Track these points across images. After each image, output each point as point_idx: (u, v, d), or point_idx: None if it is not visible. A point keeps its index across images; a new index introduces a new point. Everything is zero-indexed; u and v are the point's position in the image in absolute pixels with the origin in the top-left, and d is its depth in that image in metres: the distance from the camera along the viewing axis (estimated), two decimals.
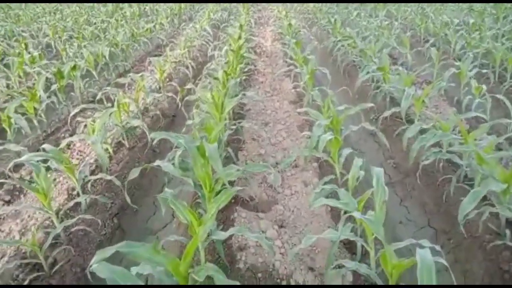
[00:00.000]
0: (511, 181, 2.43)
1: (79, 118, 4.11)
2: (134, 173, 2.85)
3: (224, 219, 2.92)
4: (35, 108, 4.47)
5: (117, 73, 6.85)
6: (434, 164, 3.41)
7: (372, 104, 3.55)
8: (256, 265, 2.41)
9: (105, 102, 5.19)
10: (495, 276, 2.39)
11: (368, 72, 4.90)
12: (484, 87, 4.41)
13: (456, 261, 2.69)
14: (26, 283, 2.30)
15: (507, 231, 2.49)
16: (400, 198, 3.55)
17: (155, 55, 8.27)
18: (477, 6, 10.31)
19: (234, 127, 3.65)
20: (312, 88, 4.98)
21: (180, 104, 4.71)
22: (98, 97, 4.64)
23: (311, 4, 11.66)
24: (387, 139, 4.19)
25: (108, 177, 3.01)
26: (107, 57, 6.32)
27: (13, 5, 14.45)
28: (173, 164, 2.80)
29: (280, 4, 12.61)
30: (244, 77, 5.80)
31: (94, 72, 6.09)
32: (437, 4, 11.46)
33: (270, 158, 3.79)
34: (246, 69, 5.95)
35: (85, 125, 3.80)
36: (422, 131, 3.53)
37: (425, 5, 11.99)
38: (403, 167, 3.85)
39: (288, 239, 2.68)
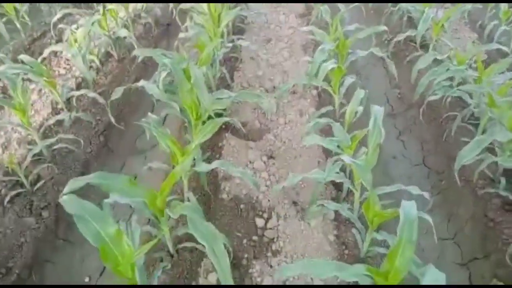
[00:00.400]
0: None
1: (61, 25, 3.76)
2: (117, 93, 2.68)
3: (212, 145, 2.83)
4: (16, 9, 4.08)
5: None
6: (441, 98, 3.17)
7: (385, 28, 3.17)
8: (239, 196, 2.39)
9: (95, 5, 4.76)
10: (479, 223, 2.37)
11: None
12: None
13: (444, 202, 2.66)
14: (7, 199, 2.30)
15: (502, 179, 2.39)
16: (399, 131, 3.40)
17: None
18: None
19: (230, 44, 3.33)
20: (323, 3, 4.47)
21: (174, 12, 4.28)
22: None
23: None
24: (398, 66, 3.88)
25: (92, 94, 2.84)
26: None
27: None
28: (158, 85, 2.60)
29: None
30: None
31: None
32: None
33: (267, 81, 3.55)
34: None
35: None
36: (436, 62, 3.22)
37: None
38: (409, 98, 3.61)
39: (276, 171, 2.61)
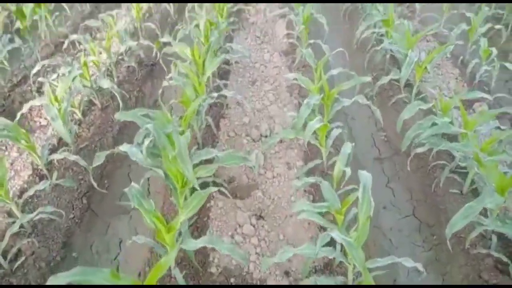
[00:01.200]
0: (507, 189, 2.25)
1: (40, 78, 3.65)
2: (100, 158, 2.60)
3: (200, 207, 2.74)
4: None
5: (92, 4, 6.10)
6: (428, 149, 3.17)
7: (369, 79, 3.18)
8: (229, 268, 2.31)
9: (77, 46, 4.70)
10: (474, 283, 2.34)
11: (369, 27, 4.39)
12: (494, 51, 3.97)
13: (437, 259, 2.62)
14: None
15: (494, 237, 2.38)
16: (388, 177, 3.38)
17: None
18: None
19: (216, 94, 3.28)
20: (306, 40, 4.49)
21: (158, 55, 4.24)
22: (65, 46, 4.13)
23: None
24: (382, 107, 3.92)
25: (73, 157, 2.74)
26: None
27: None
28: (141, 151, 2.52)
29: None
30: (232, 19, 5.20)
31: (64, 5, 5.39)
32: None
33: (253, 130, 3.51)
34: (235, 9, 5.30)
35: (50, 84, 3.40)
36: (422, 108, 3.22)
37: None
38: (395, 142, 3.62)
39: (266, 234, 2.55)
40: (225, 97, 3.83)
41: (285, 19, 5.39)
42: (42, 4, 4.67)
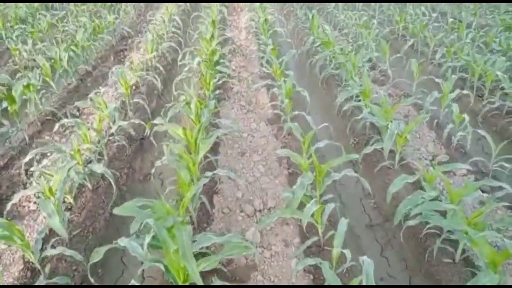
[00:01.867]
0: (499, 264, 2.35)
1: (32, 168, 3.65)
2: (99, 254, 2.55)
3: None
4: None
5: (77, 77, 6.24)
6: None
7: (357, 156, 3.35)
8: None
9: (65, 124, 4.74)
10: None
11: (347, 99, 4.70)
12: (466, 117, 4.29)
13: None
14: None
15: None
16: (381, 245, 3.44)
17: (120, 50, 7.68)
18: None
19: (210, 174, 3.35)
20: (291, 112, 4.72)
21: (149, 132, 4.34)
22: (55, 128, 4.18)
23: None
24: (368, 173, 4.07)
25: (68, 252, 2.69)
26: (65, 63, 5.72)
27: None
28: (142, 244, 2.51)
29: None
30: (218, 91, 5.43)
31: (51, 82, 5.51)
32: None
33: (247, 205, 3.56)
34: (220, 81, 5.56)
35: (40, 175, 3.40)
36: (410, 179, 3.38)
37: None
38: (384, 208, 3.74)
39: None
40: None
41: (268, 89, 5.66)
42: (31, 85, 4.77)
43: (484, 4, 9.79)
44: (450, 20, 8.17)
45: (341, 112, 4.92)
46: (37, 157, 4.17)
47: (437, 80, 5.28)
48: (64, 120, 4.01)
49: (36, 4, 9.06)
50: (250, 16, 8.91)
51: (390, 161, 4.03)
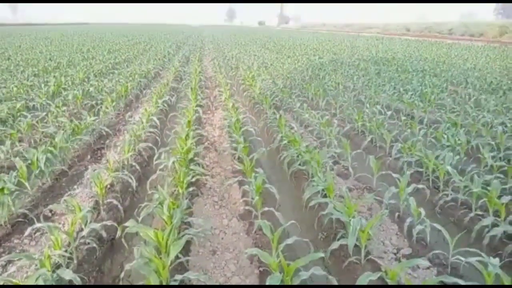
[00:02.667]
0: None
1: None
2: None
3: None
4: None
5: (52, 176, 6.36)
6: None
7: (322, 255, 3.53)
8: None
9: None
10: None
11: (312, 198, 5.02)
12: (422, 211, 4.64)
13: None
14: None
15: None
16: None
17: (97, 149, 7.95)
18: (406, 97, 11.40)
19: (180, 277, 3.39)
20: (261, 208, 4.94)
21: (120, 234, 4.39)
22: (26, 233, 4.18)
23: (257, 90, 12.15)
24: (336, 268, 4.20)
25: None
26: (42, 165, 5.88)
27: None
28: None
29: (227, 87, 12.99)
30: (191, 188, 5.65)
31: (26, 183, 5.59)
32: (372, 91, 12.52)
33: None
34: (194, 179, 5.81)
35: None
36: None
37: (361, 90, 13.08)
38: None
39: None
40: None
41: (240, 184, 5.95)
42: (6, 188, 4.84)
43: (432, 102, 11.04)
44: (403, 118, 9.12)
45: (308, 207, 5.19)
46: (3, 263, 4.09)
47: (394, 175, 5.75)
48: (37, 225, 4.03)
49: (18, 105, 9.48)
50: (223, 115, 9.61)
51: (356, 256, 4.20)
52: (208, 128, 9.52)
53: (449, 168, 5.69)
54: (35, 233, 4.81)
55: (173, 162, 5.81)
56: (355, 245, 4.38)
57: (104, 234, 4.50)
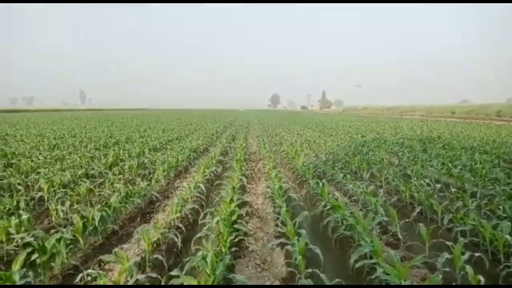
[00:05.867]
0: None
1: None
2: None
3: None
4: None
5: (104, 235, 6.68)
6: None
7: None
8: None
9: (85, 277, 4.90)
10: None
11: (360, 257, 4.83)
12: (482, 278, 4.28)
13: None
14: None
15: None
16: None
17: (147, 212, 8.30)
18: (456, 171, 11.04)
19: None
20: (305, 270, 4.81)
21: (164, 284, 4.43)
22: (77, 279, 4.36)
23: (300, 162, 12.42)
24: None
25: None
26: (96, 222, 6.25)
27: (16, 149, 15.17)
28: None
29: (270, 159, 13.38)
30: (234, 249, 5.65)
31: (80, 239, 5.92)
32: (418, 165, 12.27)
33: None
34: (236, 240, 5.85)
35: None
36: None
37: (407, 165, 12.84)
38: None
39: None
40: None
41: (282, 247, 5.86)
42: (63, 239, 5.18)
43: (484, 177, 10.55)
44: (453, 190, 8.76)
45: (355, 271, 4.95)
46: None
47: (448, 243, 5.42)
48: (86, 271, 4.22)
49: (79, 172, 10.37)
50: (266, 184, 9.80)
51: None
52: (252, 197, 9.67)
53: (508, 237, 5.29)
54: (83, 285, 4.98)
55: (217, 222, 5.93)
56: None
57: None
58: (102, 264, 5.53)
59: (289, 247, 5.28)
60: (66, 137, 21.81)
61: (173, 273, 4.05)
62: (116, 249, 4.96)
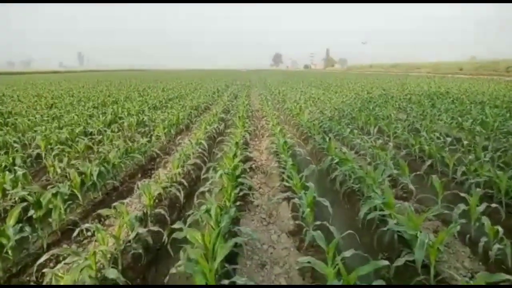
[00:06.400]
0: None
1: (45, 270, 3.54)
2: None
3: None
4: (1, 244, 3.95)
5: (104, 191, 6.47)
6: None
7: (386, 262, 3.11)
8: None
9: (84, 233, 4.72)
10: None
11: (370, 210, 4.59)
12: (500, 229, 4.04)
13: None
14: None
15: None
16: None
17: (148, 169, 8.07)
18: (466, 124, 10.66)
19: (226, 282, 3.12)
20: (313, 222, 4.59)
21: (166, 240, 4.23)
22: (75, 233, 4.16)
23: (305, 118, 12.04)
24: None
25: None
26: (95, 177, 6.01)
27: (13, 110, 14.83)
28: None
29: (274, 116, 13.01)
30: (238, 203, 5.44)
31: (78, 194, 5.71)
32: (427, 120, 11.88)
33: None
34: (241, 194, 5.62)
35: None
36: None
37: (415, 120, 12.44)
38: None
39: None
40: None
41: (289, 201, 5.64)
42: (60, 193, 4.95)
43: (496, 130, 10.18)
44: (465, 143, 8.43)
45: (365, 224, 4.74)
46: (51, 265, 4.06)
47: (462, 194, 5.17)
48: (85, 225, 4.01)
49: (77, 130, 10.06)
50: (270, 140, 9.50)
51: (425, 276, 3.67)
52: (255, 153, 9.40)
53: None
54: (82, 240, 4.80)
55: (221, 176, 5.68)
56: (422, 265, 3.87)
57: (150, 241, 4.37)
58: (102, 219, 5.35)
59: (296, 200, 5.04)
60: (64, 97, 21.36)
61: (175, 226, 3.83)
62: (116, 204, 4.73)
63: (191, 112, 14.65)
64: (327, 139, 8.31)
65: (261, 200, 6.10)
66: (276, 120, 11.71)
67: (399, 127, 10.70)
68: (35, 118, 12.59)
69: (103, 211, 4.55)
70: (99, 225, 3.89)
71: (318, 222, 4.51)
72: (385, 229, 4.30)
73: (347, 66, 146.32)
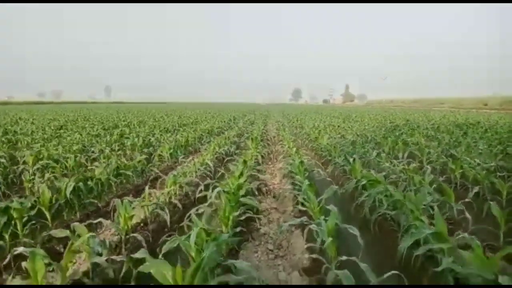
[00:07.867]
0: None
1: None
2: None
3: None
4: None
5: (84, 213, 5.44)
6: None
7: None
8: None
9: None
10: None
11: (418, 244, 3.35)
12: None
13: None
14: None
15: None
16: None
17: (143, 189, 7.02)
18: (511, 149, 9.27)
19: None
20: (336, 257, 3.38)
21: (125, 269, 3.11)
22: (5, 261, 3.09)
23: (324, 141, 10.90)
24: None
25: None
26: (68, 194, 5.01)
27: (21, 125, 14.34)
28: None
29: (291, 139, 11.95)
30: (239, 229, 4.27)
31: (46, 213, 4.69)
32: (462, 148, 10.52)
33: None
34: (243, 217, 4.47)
35: None
36: None
37: (448, 147, 11.09)
38: None
39: None
40: None
41: (303, 229, 4.45)
42: (14, 209, 3.95)
43: None
44: None
45: (406, 261, 3.48)
46: None
47: None
48: (19, 249, 2.94)
49: (74, 147, 9.25)
50: (285, 162, 8.38)
51: None
52: (267, 176, 8.26)
53: None
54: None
55: (219, 194, 4.57)
56: None
57: (111, 274, 3.24)
58: (61, 244, 4.27)
59: (313, 226, 3.83)
60: (78, 121, 21.02)
61: (137, 255, 2.71)
62: (75, 223, 3.66)
63: (202, 134, 13.76)
64: (351, 160, 7.13)
65: (269, 228, 4.91)
66: (292, 144, 10.62)
67: (432, 152, 9.40)
68: (38, 136, 11.94)
69: (54, 232, 3.49)
70: (39, 250, 2.81)
71: (343, 258, 3.29)
72: (438, 269, 3.03)
73: (367, 101, 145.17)
